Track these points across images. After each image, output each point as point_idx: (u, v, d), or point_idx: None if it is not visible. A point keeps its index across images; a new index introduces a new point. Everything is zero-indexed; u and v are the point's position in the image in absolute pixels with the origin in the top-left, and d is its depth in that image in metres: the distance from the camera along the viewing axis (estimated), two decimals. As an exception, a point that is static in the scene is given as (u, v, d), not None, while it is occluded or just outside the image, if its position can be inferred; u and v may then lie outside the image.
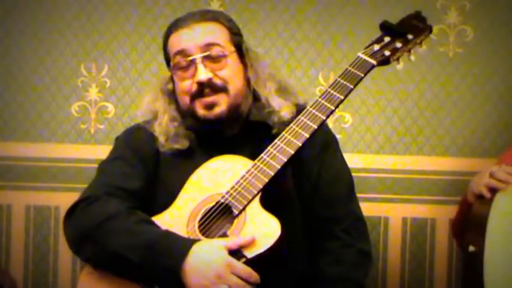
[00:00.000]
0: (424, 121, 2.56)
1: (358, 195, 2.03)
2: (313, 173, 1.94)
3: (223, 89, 1.88)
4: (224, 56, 1.89)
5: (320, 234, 1.93)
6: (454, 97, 2.56)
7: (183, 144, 1.93)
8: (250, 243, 1.69)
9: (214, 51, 1.88)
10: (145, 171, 1.93)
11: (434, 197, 2.55)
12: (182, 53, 1.89)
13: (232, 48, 1.92)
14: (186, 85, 1.90)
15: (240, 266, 1.67)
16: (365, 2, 2.56)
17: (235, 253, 1.68)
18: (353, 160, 2.49)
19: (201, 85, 1.87)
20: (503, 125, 2.54)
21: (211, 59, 1.88)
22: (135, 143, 1.97)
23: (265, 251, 1.68)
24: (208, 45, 1.88)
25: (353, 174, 2.03)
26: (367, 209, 2.29)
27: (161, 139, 1.94)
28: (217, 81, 1.88)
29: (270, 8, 2.58)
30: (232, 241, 1.70)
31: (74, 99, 2.63)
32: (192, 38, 1.89)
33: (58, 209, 2.61)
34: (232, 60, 1.91)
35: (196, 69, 1.88)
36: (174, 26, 1.94)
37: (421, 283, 2.55)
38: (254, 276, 1.67)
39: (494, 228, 1.84)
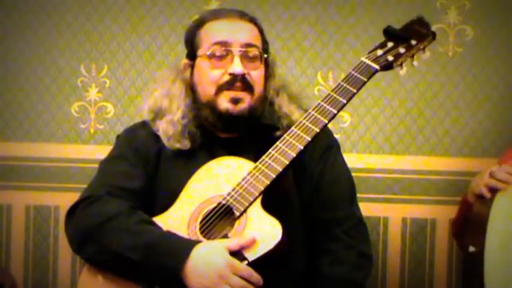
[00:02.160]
0: (424, 121, 2.56)
1: (357, 195, 2.03)
2: (314, 175, 1.95)
3: (250, 89, 1.90)
4: (259, 59, 1.92)
5: (321, 236, 1.93)
6: (454, 97, 2.55)
7: (184, 144, 1.93)
8: (252, 245, 1.69)
9: (253, 52, 1.91)
10: (146, 171, 1.93)
11: (434, 197, 2.54)
12: (222, 43, 1.90)
13: (263, 55, 1.94)
14: (216, 74, 1.90)
15: (242, 266, 1.67)
16: (364, 2, 2.55)
17: (236, 255, 1.68)
18: (352, 160, 2.48)
19: (234, 77, 1.88)
20: (503, 125, 2.53)
21: (248, 58, 1.90)
22: (136, 142, 1.97)
23: (266, 253, 1.68)
24: (248, 45, 1.91)
25: (352, 174, 2.03)
26: (367, 209, 2.29)
27: (165, 136, 1.93)
28: (249, 79, 1.90)
29: (269, 8, 2.58)
30: (234, 242, 1.70)
31: (73, 99, 2.63)
32: (234, 32, 1.91)
33: (58, 209, 2.61)
34: (262, 65, 1.94)
35: (232, 61, 1.89)
36: (214, 15, 1.96)
37: (421, 283, 2.55)
38: (255, 277, 1.67)
39: (495, 229, 1.82)
